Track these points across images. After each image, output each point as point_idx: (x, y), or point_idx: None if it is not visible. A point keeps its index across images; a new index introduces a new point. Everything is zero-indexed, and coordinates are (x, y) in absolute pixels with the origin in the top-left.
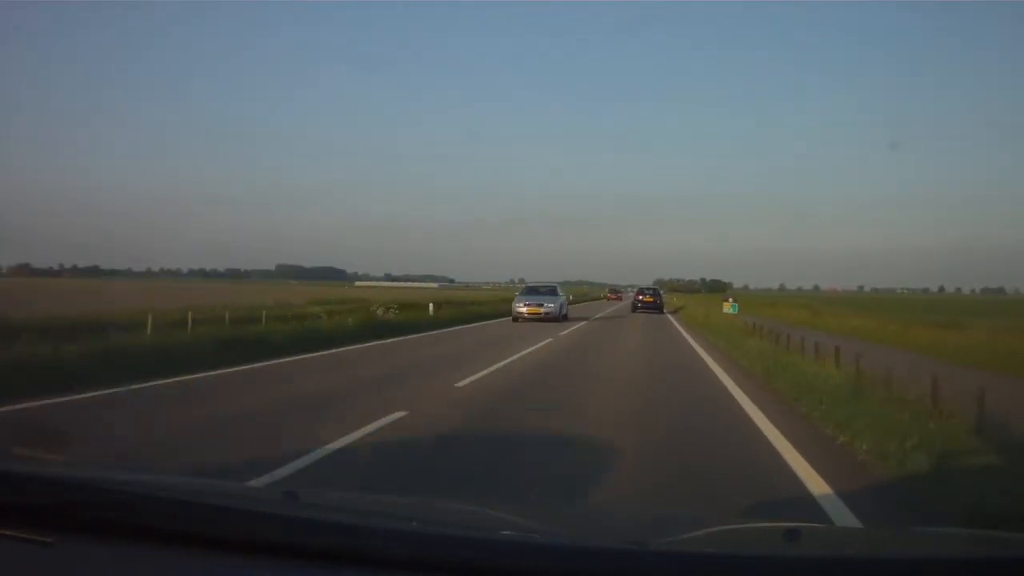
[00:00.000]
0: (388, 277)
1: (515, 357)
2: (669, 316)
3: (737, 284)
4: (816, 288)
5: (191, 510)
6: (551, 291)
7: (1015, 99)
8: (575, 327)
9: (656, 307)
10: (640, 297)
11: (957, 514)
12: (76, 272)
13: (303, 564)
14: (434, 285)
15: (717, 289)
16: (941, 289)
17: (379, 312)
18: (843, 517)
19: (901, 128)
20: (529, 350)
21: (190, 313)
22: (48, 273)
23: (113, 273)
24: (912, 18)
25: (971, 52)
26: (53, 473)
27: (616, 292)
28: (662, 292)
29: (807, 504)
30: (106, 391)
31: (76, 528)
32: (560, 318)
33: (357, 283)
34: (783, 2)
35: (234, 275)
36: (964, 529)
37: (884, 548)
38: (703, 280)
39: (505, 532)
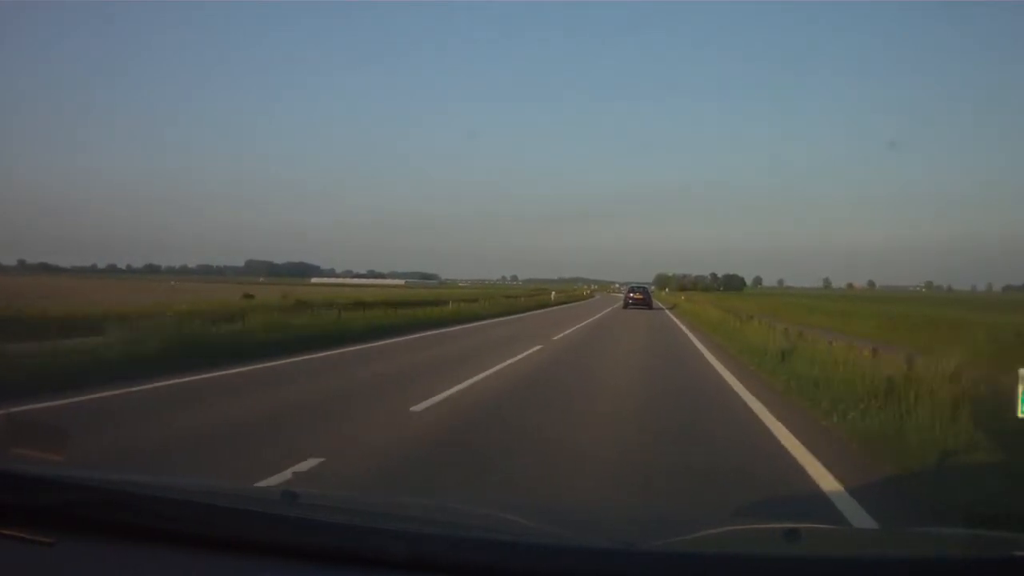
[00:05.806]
0: (372, 274)
1: None
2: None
3: (769, 281)
4: (871, 284)
5: (191, 510)
6: None
7: None
8: None
9: (645, 303)
10: (631, 295)
11: (957, 514)
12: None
13: (303, 564)
14: (400, 282)
15: (733, 287)
16: (974, 287)
17: None
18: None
19: (918, 124)
20: None
21: None
22: None
23: (57, 269)
24: None
25: None
26: (53, 473)
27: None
28: (652, 288)
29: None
30: None
31: (76, 528)
32: None
33: (313, 280)
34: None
35: (207, 271)
36: (964, 529)
37: (884, 548)
38: (713, 275)
39: (504, 532)
